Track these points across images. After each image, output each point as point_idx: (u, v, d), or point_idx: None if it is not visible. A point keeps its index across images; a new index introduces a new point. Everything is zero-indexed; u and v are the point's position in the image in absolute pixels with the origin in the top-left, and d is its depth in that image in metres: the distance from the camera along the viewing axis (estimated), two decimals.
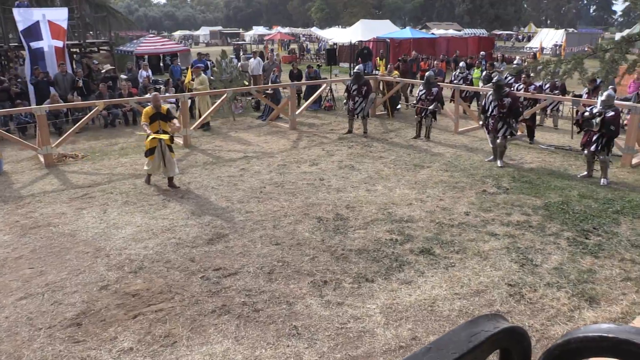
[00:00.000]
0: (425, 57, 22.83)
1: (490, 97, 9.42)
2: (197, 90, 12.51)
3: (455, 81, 13.76)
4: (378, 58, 17.53)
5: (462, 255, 5.88)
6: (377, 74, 15.79)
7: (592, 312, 4.76)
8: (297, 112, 13.00)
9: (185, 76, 14.25)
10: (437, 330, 4.45)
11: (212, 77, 15.65)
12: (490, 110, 9.41)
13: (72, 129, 10.51)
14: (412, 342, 4.34)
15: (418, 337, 4.41)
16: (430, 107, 11.06)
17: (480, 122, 9.99)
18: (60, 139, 10.26)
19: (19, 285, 5.26)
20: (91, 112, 10.72)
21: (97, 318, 4.71)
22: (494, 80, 9.57)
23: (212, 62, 17.04)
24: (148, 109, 8.26)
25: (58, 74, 13.54)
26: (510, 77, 13.02)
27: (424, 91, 11.24)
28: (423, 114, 11.26)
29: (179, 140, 11.27)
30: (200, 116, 12.31)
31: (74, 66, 15.39)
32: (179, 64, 18.60)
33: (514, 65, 13.70)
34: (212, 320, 4.64)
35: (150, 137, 7.97)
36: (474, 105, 14.31)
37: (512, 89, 12.21)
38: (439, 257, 5.82)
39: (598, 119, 8.11)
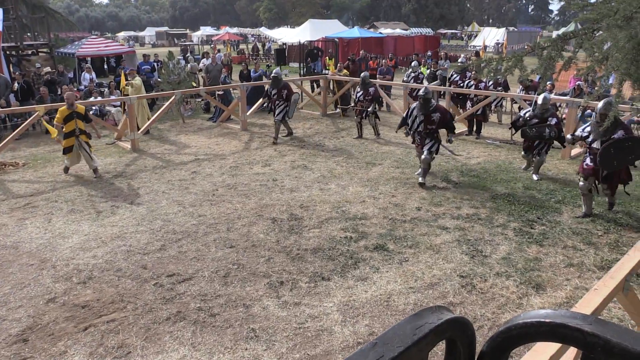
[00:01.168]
0: (374, 56, 23.16)
1: (415, 112, 8.26)
2: (134, 93, 12.13)
3: (406, 79, 14.02)
4: (327, 57, 17.64)
5: (415, 249, 6.01)
6: (327, 73, 15.89)
7: (539, 298, 4.98)
8: (247, 113, 12.90)
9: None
10: (392, 325, 4.52)
11: (159, 79, 15.31)
12: (415, 126, 8.28)
13: (11, 135, 10.02)
14: (370, 338, 4.40)
15: (375, 332, 4.47)
16: (370, 109, 11.24)
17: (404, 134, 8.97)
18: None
19: None
20: (31, 118, 10.25)
21: (44, 332, 4.52)
22: (420, 93, 8.31)
23: (160, 63, 16.67)
24: (63, 108, 8.57)
25: None
26: (455, 75, 13.42)
27: (361, 92, 11.42)
28: (364, 115, 11.43)
29: (126, 145, 10.96)
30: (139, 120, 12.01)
31: (11, 69, 14.67)
32: (126, 65, 18.06)
33: (459, 63, 14.12)
34: (167, 327, 4.55)
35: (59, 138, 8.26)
36: None
37: (459, 86, 12.61)
38: (393, 253, 5.92)
39: (534, 130, 8.21)
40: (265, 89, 11.65)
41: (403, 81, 14.27)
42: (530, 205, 7.34)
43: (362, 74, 11.82)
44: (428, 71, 14.89)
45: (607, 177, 6.80)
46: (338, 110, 14.61)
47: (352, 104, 11.96)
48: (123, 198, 7.87)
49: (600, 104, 7.11)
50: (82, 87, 15.04)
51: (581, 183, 6.91)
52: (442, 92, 13.15)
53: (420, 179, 8.23)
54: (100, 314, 4.78)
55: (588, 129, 6.97)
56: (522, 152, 8.93)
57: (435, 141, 8.31)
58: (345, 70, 15.12)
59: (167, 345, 4.30)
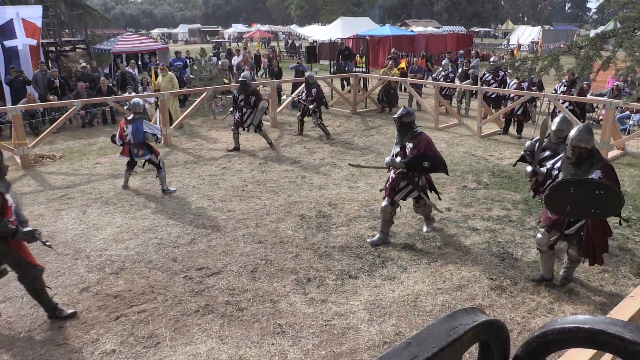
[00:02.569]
0: (405, 54, 22.97)
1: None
2: (165, 88, 12.36)
3: (438, 78, 13.86)
4: (358, 55, 17.57)
5: (444, 250, 5.95)
6: (356, 71, 15.84)
7: (572, 304, 4.86)
8: (277, 110, 12.97)
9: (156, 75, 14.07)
10: (420, 325, 4.50)
11: (191, 76, 15.53)
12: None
13: (49, 129, 10.33)
14: (396, 338, 4.38)
15: (402, 332, 4.45)
16: (311, 107, 11.24)
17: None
18: (37, 140, 10.08)
19: None
20: (68, 112, 10.54)
21: (78, 320, 4.65)
22: (394, 116, 6.16)
23: (192, 60, 16.91)
24: None
25: (37, 73, 13.29)
26: (488, 74, 13.19)
27: (304, 92, 11.44)
28: (307, 113, 11.45)
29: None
30: (171, 115, 12.21)
31: (50, 65, 15.11)
32: (157, 61, 18.40)
33: (491, 62, 13.86)
34: (196, 320, 4.62)
35: None
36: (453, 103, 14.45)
37: (496, 85, 12.40)
38: (421, 253, 5.87)
39: (544, 169, 5.31)
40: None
41: (433, 79, 14.11)
42: None
43: (306, 75, 11.94)
44: (459, 70, 14.68)
45: (576, 235, 4.86)
46: (376, 107, 14.55)
47: (298, 102, 11.88)
48: (155, 191, 8.03)
49: (556, 124, 5.68)
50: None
51: (539, 235, 5.05)
52: (474, 92, 12.94)
53: (374, 239, 6.13)
54: (131, 304, 4.89)
55: (558, 164, 5.03)
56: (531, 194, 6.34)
57: (412, 186, 6.06)
58: (395, 70, 15.01)
59: (195, 337, 4.37)
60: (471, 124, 12.30)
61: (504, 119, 11.89)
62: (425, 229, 6.47)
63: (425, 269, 5.51)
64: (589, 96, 11.74)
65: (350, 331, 4.45)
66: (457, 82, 13.87)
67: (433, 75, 14.90)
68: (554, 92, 11.30)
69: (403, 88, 15.27)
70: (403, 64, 15.59)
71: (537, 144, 5.67)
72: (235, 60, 17.27)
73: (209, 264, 5.65)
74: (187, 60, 17.88)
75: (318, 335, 4.40)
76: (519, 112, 11.35)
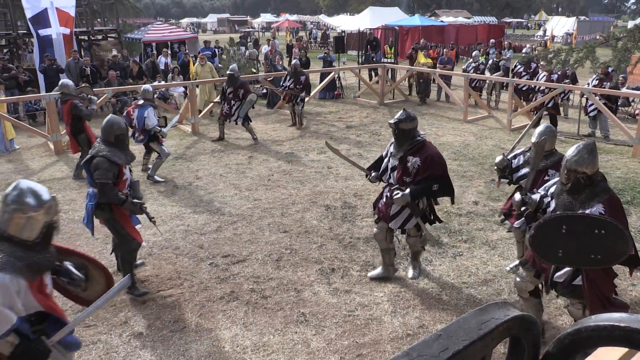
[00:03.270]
0: (434, 45, 22.65)
1: (391, 149, 5.02)
2: (205, 78, 12.51)
3: (468, 70, 13.62)
4: (387, 46, 17.40)
5: (470, 244, 5.88)
6: (385, 62, 15.70)
7: None
8: (305, 100, 12.96)
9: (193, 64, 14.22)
10: (444, 319, 4.47)
11: (220, 65, 15.64)
12: (387, 174, 5.09)
13: None
14: (420, 330, 4.36)
15: (425, 325, 4.43)
16: (302, 95, 11.27)
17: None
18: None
19: None
20: (100, 99, 10.74)
21: (107, 303, 4.76)
22: (390, 121, 4.87)
23: (221, 50, 17.01)
24: None
25: (70, 61, 13.57)
26: (519, 66, 12.91)
27: (292, 80, 11.30)
28: (294, 102, 11.41)
29: (187, 128, 11.29)
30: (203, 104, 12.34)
31: (82, 54, 15.41)
32: (187, 50, 18.58)
33: (523, 54, 13.56)
34: (221, 306, 4.69)
35: None
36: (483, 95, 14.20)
37: (528, 77, 12.14)
38: (447, 246, 5.82)
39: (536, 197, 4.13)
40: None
41: (463, 71, 13.88)
42: None
43: (292, 62, 11.89)
44: (490, 61, 14.42)
45: (568, 284, 3.71)
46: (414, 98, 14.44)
47: (282, 90, 11.72)
48: (182, 179, 8.14)
49: (535, 135, 4.60)
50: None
51: (518, 279, 4.15)
52: (504, 84, 12.69)
53: (373, 272, 5.19)
54: (158, 289, 4.99)
55: (553, 189, 4.01)
56: (502, 222, 5.67)
57: (411, 211, 4.82)
58: (428, 59, 14.84)
59: (220, 323, 4.44)
60: (501, 117, 12.07)
61: (534, 112, 11.62)
62: (410, 273, 5.14)
63: (450, 263, 5.46)
64: (624, 90, 11.38)
65: (373, 322, 4.45)
66: (487, 73, 13.61)
67: (463, 67, 14.65)
68: (587, 85, 10.99)
69: (432, 79, 15.08)
70: (420, 57, 15.38)
71: (530, 161, 4.59)
72: (264, 49, 17.29)
73: (234, 251, 5.71)
74: (216, 50, 18.01)
75: (341, 325, 4.41)
76: (549, 105, 11.07)
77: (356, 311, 4.60)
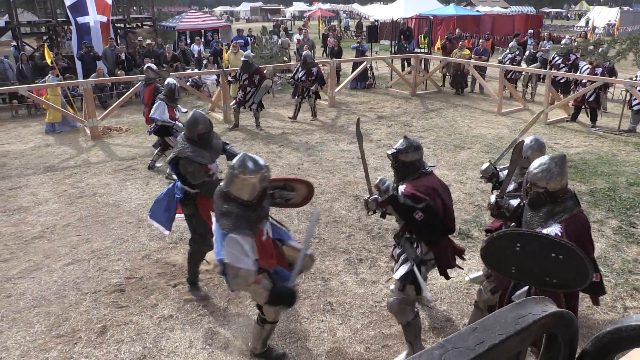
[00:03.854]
0: (469, 35, 22.18)
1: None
2: (237, 66, 12.57)
3: (504, 61, 13.30)
4: (421, 36, 17.13)
5: None
6: (418, 52, 15.47)
7: (636, 302, 4.61)
8: (336, 90, 12.91)
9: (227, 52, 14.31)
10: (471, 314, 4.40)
11: (252, 54, 15.69)
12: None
13: (117, 102, 10.77)
14: (446, 324, 4.32)
15: (452, 319, 4.39)
16: (312, 88, 10.93)
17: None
18: (105, 112, 10.54)
19: (67, 251, 5.50)
20: (135, 87, 10.94)
21: (139, 285, 4.89)
22: (388, 152, 4.04)
23: (253, 38, 17.06)
24: None
25: (107, 48, 13.85)
26: (557, 57, 12.53)
27: (303, 72, 10.96)
28: (306, 95, 11.07)
29: (218, 116, 11.39)
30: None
31: (118, 41, 15.70)
32: (220, 39, 18.71)
33: (562, 45, 13.13)
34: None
35: None
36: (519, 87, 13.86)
37: (567, 69, 11.79)
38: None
39: (507, 202, 3.85)
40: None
41: (499, 62, 13.56)
42: (634, 203, 6.76)
43: (303, 54, 11.43)
44: (527, 52, 14.04)
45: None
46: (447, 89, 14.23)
47: (293, 81, 11.35)
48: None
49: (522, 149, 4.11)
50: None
51: (481, 287, 3.99)
52: (541, 76, 12.34)
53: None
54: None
55: None
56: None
57: (408, 259, 3.80)
58: (466, 50, 14.58)
59: (248, 309, 4.49)
60: (537, 110, 11.76)
61: (573, 106, 11.29)
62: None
63: (480, 258, 5.37)
64: None
65: None
66: (523, 65, 13.26)
67: (499, 58, 14.30)
68: (634, 79, 10.57)
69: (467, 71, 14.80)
70: (465, 51, 15.06)
71: (509, 166, 4.04)
72: (296, 38, 17.26)
73: None
74: (249, 39, 18.08)
75: (367, 315, 4.41)
76: (590, 99, 10.73)
77: (383, 302, 4.58)
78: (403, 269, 3.73)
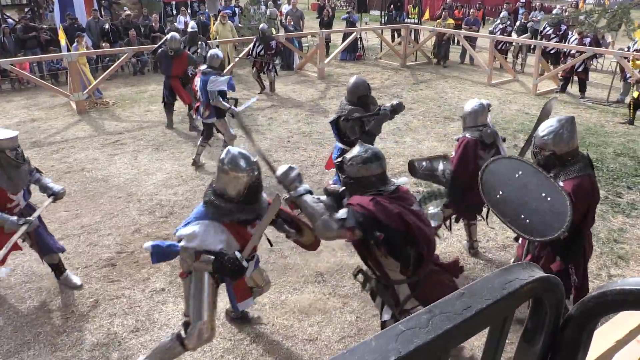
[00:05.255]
0: (460, 5, 21.91)
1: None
2: (225, 37, 12.39)
3: (494, 31, 13.18)
4: (411, 6, 16.90)
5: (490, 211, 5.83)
6: (408, 23, 15.30)
7: (620, 271, 4.71)
8: (325, 62, 12.78)
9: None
10: (461, 283, 4.47)
11: (240, 25, 15.42)
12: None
13: (102, 75, 10.57)
14: None
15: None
16: (276, 62, 10.86)
17: None
18: (91, 86, 10.36)
19: (57, 227, 5.47)
20: (120, 59, 10.74)
21: (130, 260, 4.90)
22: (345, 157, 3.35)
23: (241, 9, 16.74)
24: None
25: (90, 20, 13.51)
26: (548, 28, 12.46)
27: (261, 46, 10.77)
28: (265, 69, 10.89)
29: None
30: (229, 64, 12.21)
31: (102, 13, 15.33)
32: (207, 10, 18.32)
33: (553, 15, 13.04)
34: None
35: None
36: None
37: (557, 39, 11.74)
38: None
39: (423, 165, 4.52)
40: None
41: (490, 32, 13.46)
42: (621, 173, 6.84)
43: (260, 27, 11.14)
44: (517, 23, 13.93)
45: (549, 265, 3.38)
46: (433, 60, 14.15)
47: (252, 57, 11.01)
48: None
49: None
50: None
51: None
52: (532, 46, 12.29)
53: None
54: None
55: None
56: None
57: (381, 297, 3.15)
58: (450, 20, 14.41)
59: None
60: (526, 81, 11.76)
61: (562, 77, 11.29)
62: None
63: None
64: None
65: None
66: (514, 35, 13.18)
67: (490, 29, 14.18)
68: (626, 49, 10.55)
69: (456, 41, 14.68)
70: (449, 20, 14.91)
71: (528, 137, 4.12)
72: (285, 9, 16.95)
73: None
74: (236, 9, 17.73)
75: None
76: (579, 70, 10.73)
77: None
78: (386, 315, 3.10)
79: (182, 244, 3.08)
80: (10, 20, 15.30)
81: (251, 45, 10.98)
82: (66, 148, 7.90)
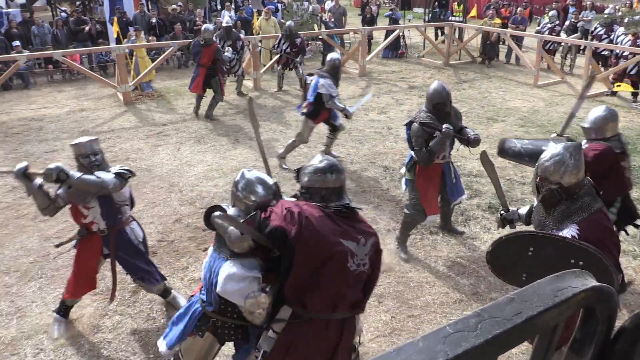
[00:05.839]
0: (507, 3, 21.37)
1: None
2: (268, 32, 12.48)
3: (542, 30, 12.79)
4: (456, 4, 16.59)
5: None
6: (452, 21, 15.03)
7: None
8: (367, 59, 12.71)
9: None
10: (499, 288, 4.38)
11: (282, 20, 15.52)
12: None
13: (148, 68, 10.84)
14: (473, 297, 4.31)
15: (479, 292, 4.37)
16: (298, 59, 10.64)
17: None
18: (137, 78, 10.65)
19: None
20: (166, 53, 10.99)
21: (170, 248, 5.02)
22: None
23: (284, 5, 16.84)
24: None
25: (137, 14, 13.88)
26: (600, 28, 12.00)
27: (286, 43, 10.67)
28: (291, 66, 10.80)
29: (248, 83, 11.38)
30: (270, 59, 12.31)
31: (149, 7, 15.71)
32: (250, 5, 18.52)
33: (605, 15, 12.54)
34: None
35: None
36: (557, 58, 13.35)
37: (609, 40, 11.31)
38: None
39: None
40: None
41: (537, 32, 13.07)
42: None
43: (287, 23, 11.03)
44: (567, 22, 13.47)
45: None
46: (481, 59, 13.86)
47: (279, 54, 10.93)
48: (243, 134, 8.28)
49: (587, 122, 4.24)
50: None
51: None
52: (582, 47, 11.87)
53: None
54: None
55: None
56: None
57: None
58: (497, 19, 14.09)
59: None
60: (575, 83, 11.37)
61: (613, 79, 10.85)
62: None
63: (509, 232, 5.31)
64: None
65: (426, 285, 4.44)
66: (563, 35, 12.74)
67: (537, 28, 13.77)
68: None
69: (501, 40, 14.31)
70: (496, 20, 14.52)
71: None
72: (328, 5, 16.94)
73: None
74: (279, 5, 17.84)
75: (394, 285, 4.43)
76: (632, 73, 10.28)
77: (410, 273, 4.60)
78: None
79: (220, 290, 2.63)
80: (63, 14, 15.90)
81: (276, 42, 11.06)
82: (112, 138, 8.15)
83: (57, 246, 4.00)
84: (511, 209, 3.62)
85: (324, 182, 2.69)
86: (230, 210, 2.82)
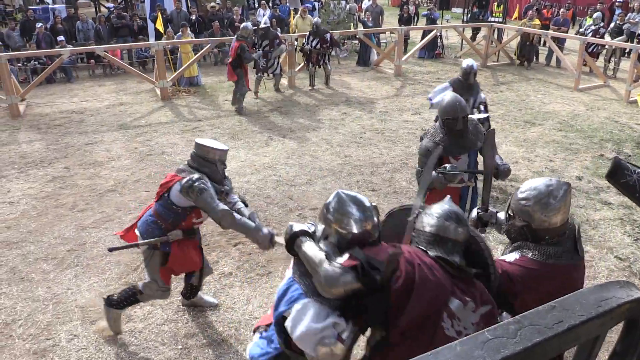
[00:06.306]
0: (549, 4, 20.83)
1: None
2: (305, 31, 12.51)
3: (586, 32, 12.40)
4: (496, 4, 16.27)
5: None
6: (492, 22, 14.74)
7: None
8: (403, 59, 12.60)
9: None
10: None
11: (319, 19, 15.54)
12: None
13: (186, 65, 11.02)
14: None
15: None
16: (333, 53, 10.63)
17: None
18: (174, 74, 10.84)
19: (136, 205, 5.79)
20: (203, 50, 11.15)
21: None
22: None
23: (321, 3, 16.84)
24: None
25: (173, 11, 14.14)
26: None
27: (316, 40, 10.63)
28: (322, 62, 10.81)
29: (283, 81, 11.45)
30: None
31: (189, 4, 15.96)
32: (287, 4, 18.61)
33: None
34: None
35: None
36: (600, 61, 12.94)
37: None
38: None
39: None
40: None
41: (579, 33, 12.69)
42: None
43: (314, 21, 11.12)
44: (612, 24, 13.02)
45: None
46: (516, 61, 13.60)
47: (307, 50, 10.80)
48: (277, 131, 8.33)
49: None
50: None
51: None
52: (627, 50, 11.47)
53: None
54: None
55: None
56: None
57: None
58: (536, 20, 13.76)
59: None
60: (618, 87, 11.00)
61: None
62: None
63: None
64: None
65: None
66: (607, 38, 12.34)
67: (580, 30, 13.37)
68: None
69: (542, 42, 13.97)
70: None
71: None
72: (365, 4, 16.87)
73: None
74: (316, 4, 17.87)
75: None
76: None
77: None
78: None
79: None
80: (109, 6, 16.32)
81: (304, 40, 11.03)
82: (149, 132, 8.32)
83: (111, 250, 3.93)
84: (491, 209, 3.17)
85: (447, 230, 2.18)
86: (314, 232, 2.34)
